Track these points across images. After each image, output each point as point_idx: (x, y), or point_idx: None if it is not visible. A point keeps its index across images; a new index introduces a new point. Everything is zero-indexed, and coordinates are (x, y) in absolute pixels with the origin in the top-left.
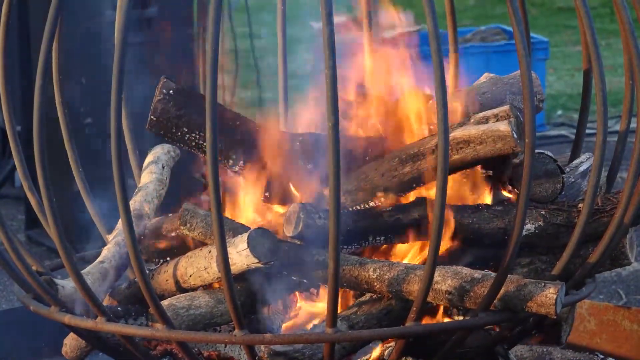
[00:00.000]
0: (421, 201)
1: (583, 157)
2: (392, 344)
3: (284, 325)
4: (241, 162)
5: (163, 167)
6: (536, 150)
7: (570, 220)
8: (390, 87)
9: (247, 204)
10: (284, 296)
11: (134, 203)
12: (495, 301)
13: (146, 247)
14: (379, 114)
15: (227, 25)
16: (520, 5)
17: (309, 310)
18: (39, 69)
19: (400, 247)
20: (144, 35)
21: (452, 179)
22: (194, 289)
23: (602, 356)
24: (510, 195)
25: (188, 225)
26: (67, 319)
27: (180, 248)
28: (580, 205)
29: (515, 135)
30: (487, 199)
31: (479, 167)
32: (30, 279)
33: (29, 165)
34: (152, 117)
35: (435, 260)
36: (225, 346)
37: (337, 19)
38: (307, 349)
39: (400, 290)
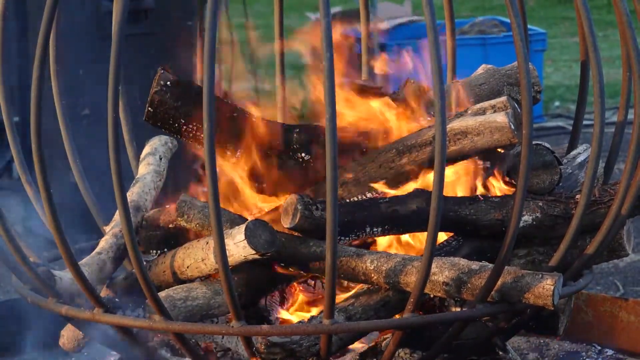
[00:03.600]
0: (418, 192)
1: (580, 148)
2: (389, 335)
3: (281, 317)
4: (238, 153)
5: (160, 159)
6: (534, 142)
7: (567, 212)
8: (388, 78)
9: (245, 195)
10: (281, 287)
11: (131, 194)
12: (492, 292)
13: (143, 239)
14: (376, 105)
15: (224, 16)
16: None
17: (306, 301)
18: (36, 60)
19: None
20: (141, 27)
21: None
22: (191, 281)
23: (599, 347)
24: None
25: (185, 216)
26: (64, 310)
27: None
28: (578, 196)
29: (512, 127)
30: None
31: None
32: (27, 270)
33: (27, 156)
34: (150, 108)
35: (433, 252)
36: (223, 337)
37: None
38: (305, 340)
39: (397, 282)
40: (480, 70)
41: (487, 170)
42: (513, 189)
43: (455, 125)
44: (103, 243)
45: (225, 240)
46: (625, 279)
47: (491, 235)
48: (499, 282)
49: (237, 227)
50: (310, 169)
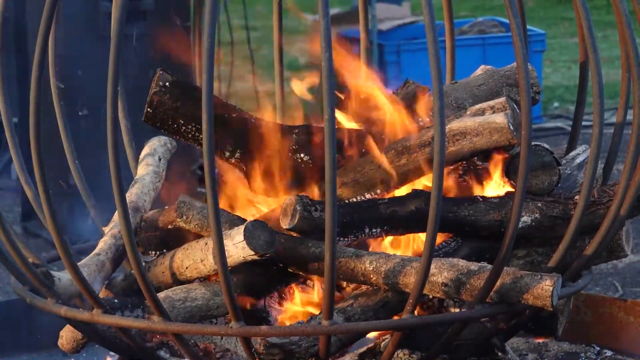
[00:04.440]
0: (417, 193)
1: (579, 149)
2: (388, 336)
3: (280, 317)
4: (237, 154)
5: (159, 159)
6: (532, 142)
7: (566, 213)
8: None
9: (244, 196)
10: (280, 288)
11: (130, 195)
12: (491, 293)
13: (142, 239)
14: (375, 105)
15: (223, 16)
16: None
17: (305, 302)
18: (35, 60)
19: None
20: (140, 27)
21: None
22: (190, 281)
23: (598, 348)
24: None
25: (184, 217)
26: (63, 311)
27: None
28: (577, 197)
29: (511, 127)
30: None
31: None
32: (26, 271)
33: (26, 157)
34: (149, 109)
35: (432, 253)
36: (222, 338)
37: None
38: (304, 341)
39: (396, 283)
40: (479, 71)
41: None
42: (512, 190)
43: (454, 126)
44: (102, 244)
45: (224, 241)
46: (624, 280)
47: (490, 236)
48: (498, 283)
49: (236, 228)
50: (310, 170)
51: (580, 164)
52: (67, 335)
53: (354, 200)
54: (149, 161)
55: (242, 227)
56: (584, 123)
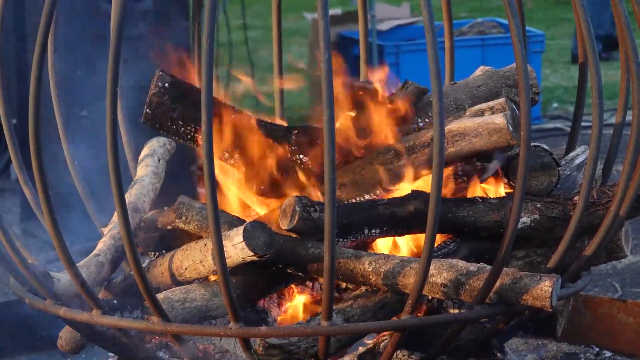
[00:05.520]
0: (417, 194)
1: (579, 149)
2: (387, 337)
3: (279, 318)
4: (236, 155)
5: (159, 160)
6: (532, 143)
7: (565, 213)
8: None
9: (243, 197)
10: (279, 289)
11: (129, 196)
12: (490, 294)
13: (142, 240)
14: (374, 106)
15: (222, 17)
16: None
17: (304, 303)
18: (34, 61)
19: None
20: (139, 28)
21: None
22: (189, 282)
23: (597, 349)
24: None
25: (183, 218)
26: (62, 311)
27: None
28: (576, 198)
29: (510, 128)
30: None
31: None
32: (25, 271)
33: (25, 158)
34: (148, 110)
35: (431, 253)
36: (221, 339)
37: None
38: (303, 341)
39: (395, 284)
40: (479, 71)
41: (488, 171)
42: (511, 191)
43: (453, 126)
44: (101, 245)
45: (224, 242)
46: (624, 281)
47: (489, 237)
48: (497, 284)
49: (235, 228)
50: (309, 171)
51: (579, 165)
52: (66, 336)
53: (353, 201)
54: (148, 162)
55: (241, 228)
56: (583, 124)
